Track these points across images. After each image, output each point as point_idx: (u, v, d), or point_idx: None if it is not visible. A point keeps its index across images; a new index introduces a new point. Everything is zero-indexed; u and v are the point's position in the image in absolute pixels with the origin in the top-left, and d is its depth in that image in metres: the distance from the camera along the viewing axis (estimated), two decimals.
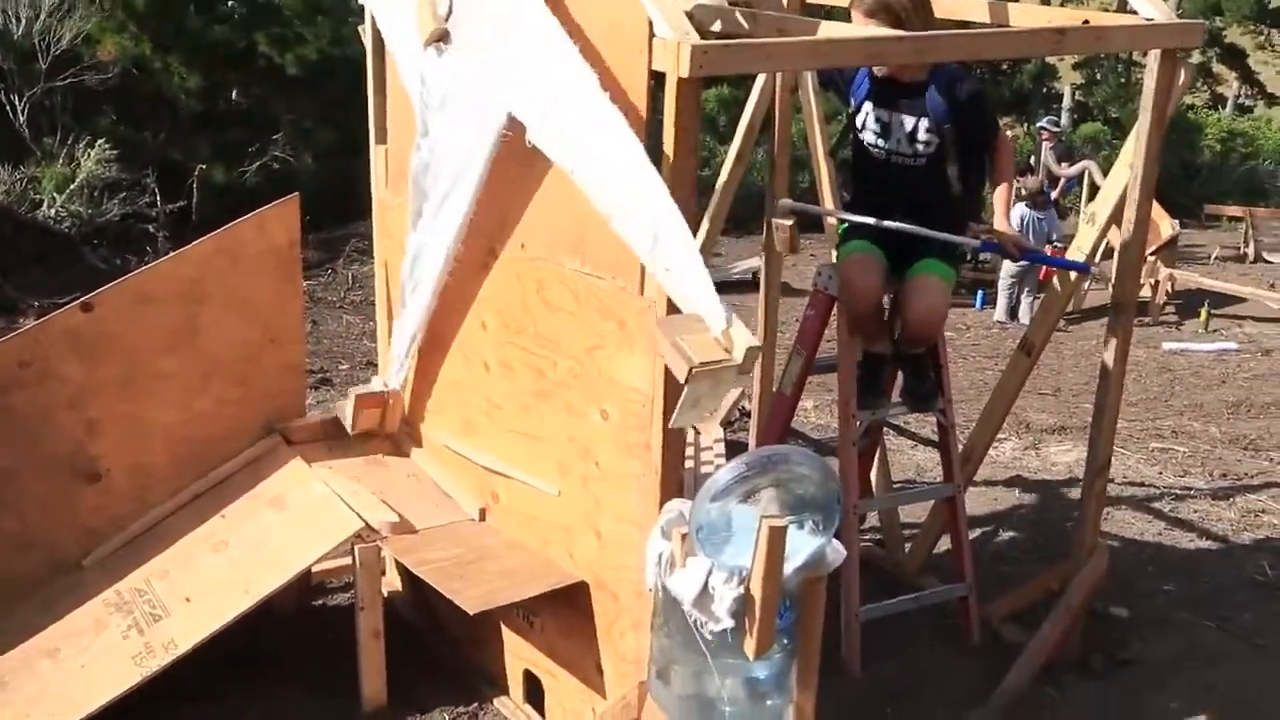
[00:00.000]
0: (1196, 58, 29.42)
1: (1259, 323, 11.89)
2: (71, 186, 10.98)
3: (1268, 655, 4.46)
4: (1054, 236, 12.36)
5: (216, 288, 4.26)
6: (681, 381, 2.84)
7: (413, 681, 4.19)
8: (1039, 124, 14.87)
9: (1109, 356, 4.15)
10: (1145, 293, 12.84)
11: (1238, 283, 13.54)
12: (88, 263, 10.36)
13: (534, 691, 4.06)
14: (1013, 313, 12.54)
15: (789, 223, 4.71)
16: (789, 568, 2.80)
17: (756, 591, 2.75)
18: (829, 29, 3.78)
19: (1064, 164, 13.84)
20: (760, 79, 5.08)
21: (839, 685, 4.23)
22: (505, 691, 4.18)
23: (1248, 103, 28.46)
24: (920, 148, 4.19)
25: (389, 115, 4.41)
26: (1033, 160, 14.01)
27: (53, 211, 10.87)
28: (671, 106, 3.10)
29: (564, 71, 3.26)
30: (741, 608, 2.79)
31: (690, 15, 4.17)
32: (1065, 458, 6.53)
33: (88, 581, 4.12)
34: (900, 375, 4.58)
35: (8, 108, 11.14)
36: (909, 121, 4.19)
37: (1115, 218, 4.13)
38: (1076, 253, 4.37)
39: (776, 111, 5.10)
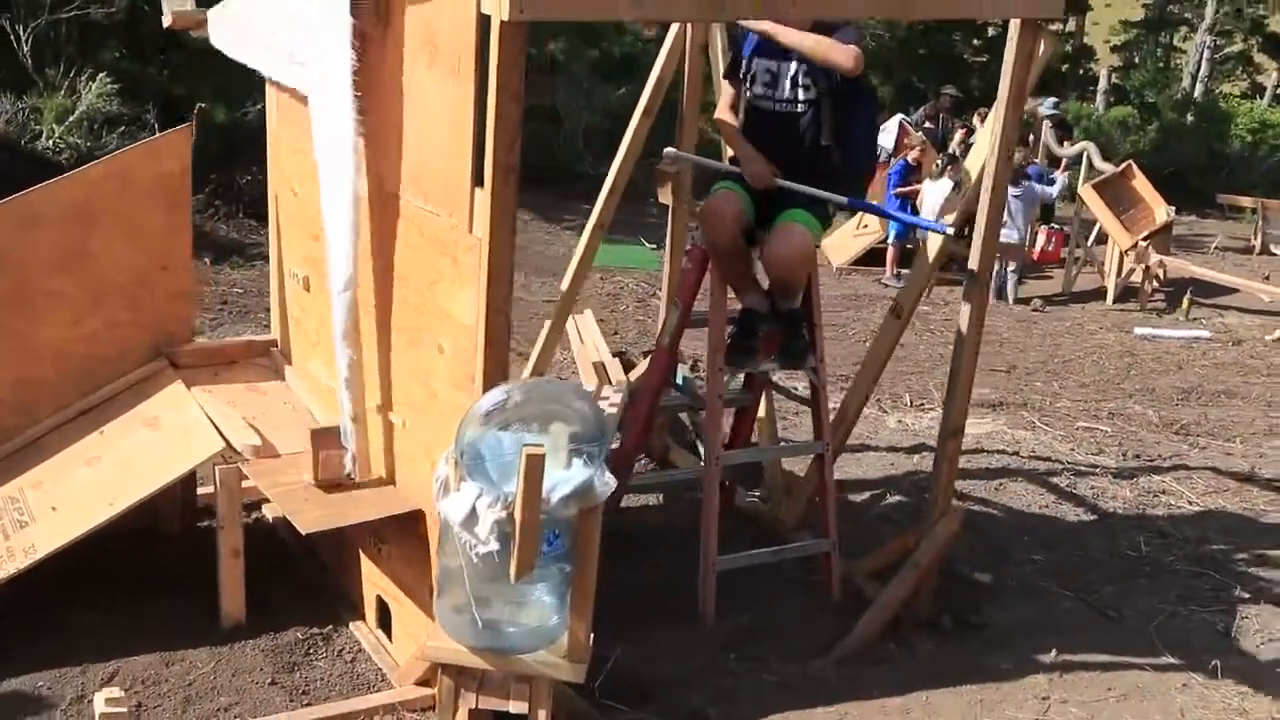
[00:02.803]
0: (1239, 45, 28.98)
1: (1243, 314, 11.78)
2: (71, 118, 11.15)
3: (1117, 627, 4.52)
4: (1031, 216, 12.58)
5: (106, 212, 4.39)
6: None
7: (277, 602, 4.32)
8: (1045, 113, 14.63)
9: (964, 324, 4.21)
10: (1136, 278, 12.80)
11: (1234, 273, 13.44)
12: None
13: (387, 616, 4.20)
14: (999, 292, 12.52)
15: (673, 170, 4.79)
16: (556, 496, 2.92)
17: (517, 515, 2.87)
18: None
19: (1065, 144, 13.78)
20: (670, 35, 5.16)
21: (691, 629, 4.37)
22: (362, 616, 4.33)
23: None
24: (801, 93, 4.26)
25: None
26: (1031, 139, 13.93)
27: (51, 143, 11.05)
28: (495, 52, 3.20)
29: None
30: (505, 531, 2.91)
31: None
32: (979, 429, 6.54)
33: None
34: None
35: (12, 38, 11.30)
36: (790, 68, 4.27)
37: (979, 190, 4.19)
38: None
39: (686, 67, 5.19)
